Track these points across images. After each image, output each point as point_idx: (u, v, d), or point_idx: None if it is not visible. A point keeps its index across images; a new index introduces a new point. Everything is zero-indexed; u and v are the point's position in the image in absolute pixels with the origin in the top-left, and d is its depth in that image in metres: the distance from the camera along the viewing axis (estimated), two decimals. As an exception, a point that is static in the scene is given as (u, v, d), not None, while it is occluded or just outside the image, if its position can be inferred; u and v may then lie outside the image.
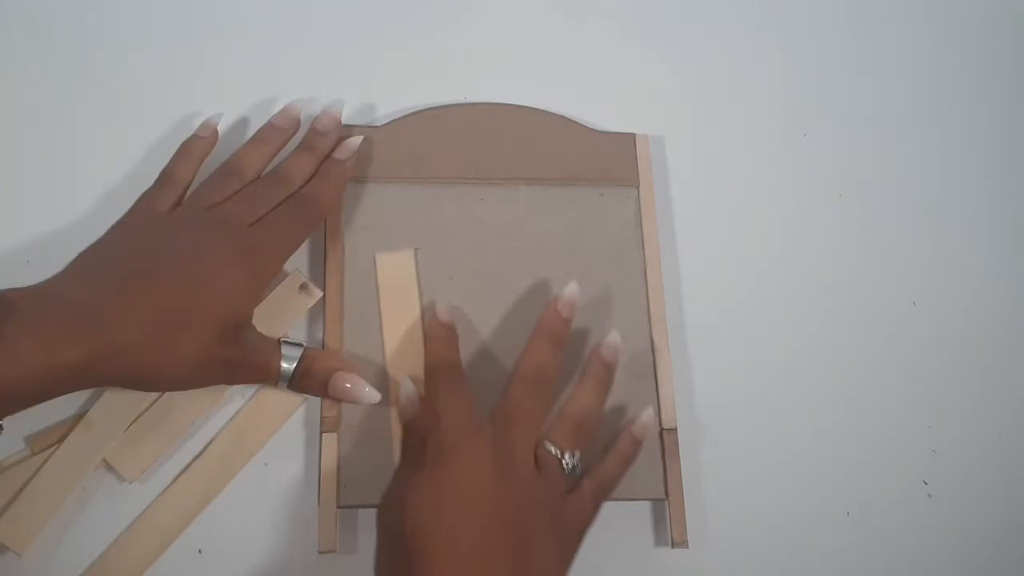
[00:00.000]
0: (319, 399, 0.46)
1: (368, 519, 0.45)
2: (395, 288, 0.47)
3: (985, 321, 0.55)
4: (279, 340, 0.44)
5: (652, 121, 0.54)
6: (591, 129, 0.53)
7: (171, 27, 0.53)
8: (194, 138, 0.47)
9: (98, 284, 0.38)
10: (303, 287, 0.46)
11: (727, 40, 0.59)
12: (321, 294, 0.47)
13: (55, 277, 0.39)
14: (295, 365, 0.43)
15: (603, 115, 0.54)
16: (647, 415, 0.45)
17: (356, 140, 0.47)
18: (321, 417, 0.45)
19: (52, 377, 0.35)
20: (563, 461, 0.41)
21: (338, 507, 0.44)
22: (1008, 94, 0.61)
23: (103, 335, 0.36)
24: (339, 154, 0.47)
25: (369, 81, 0.54)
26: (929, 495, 0.51)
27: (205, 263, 0.40)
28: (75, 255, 0.41)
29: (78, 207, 0.48)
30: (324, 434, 0.45)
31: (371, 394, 0.43)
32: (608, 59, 0.57)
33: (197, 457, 0.45)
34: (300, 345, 0.44)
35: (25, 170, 0.49)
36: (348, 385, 0.43)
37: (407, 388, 0.43)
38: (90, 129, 0.50)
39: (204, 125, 0.47)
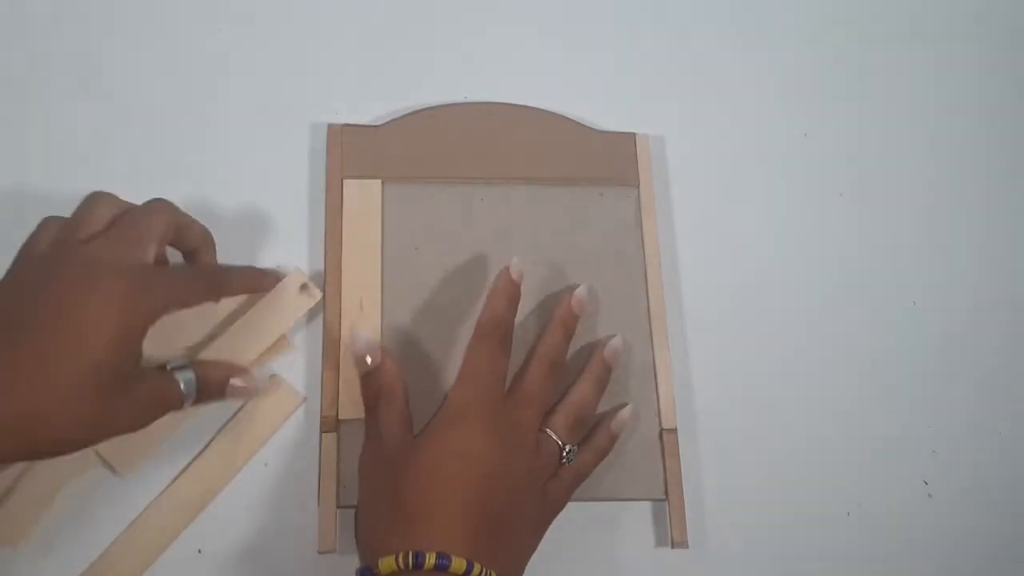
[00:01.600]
0: (319, 398, 0.46)
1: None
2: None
3: (985, 321, 0.55)
4: (163, 366, 0.40)
5: (652, 121, 0.54)
6: (591, 129, 0.53)
7: (171, 27, 0.53)
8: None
9: None
10: (304, 287, 0.46)
11: (727, 40, 0.59)
12: (321, 295, 0.46)
13: None
14: (192, 384, 0.40)
15: (603, 115, 0.54)
16: (626, 411, 0.46)
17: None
18: (321, 417, 0.45)
19: None
20: (564, 450, 0.43)
21: (338, 507, 0.44)
22: (1008, 94, 0.61)
23: None
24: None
25: (369, 81, 0.54)
26: (929, 495, 0.51)
27: (81, 320, 0.35)
28: None
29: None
30: (324, 434, 0.45)
31: (264, 380, 0.45)
32: (608, 59, 0.57)
33: (197, 457, 0.45)
34: (186, 364, 0.41)
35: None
36: (241, 384, 0.42)
37: (365, 339, 0.44)
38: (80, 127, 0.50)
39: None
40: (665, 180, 0.54)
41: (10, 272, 0.38)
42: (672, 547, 0.46)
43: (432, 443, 0.41)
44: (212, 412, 0.46)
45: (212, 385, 0.42)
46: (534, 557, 0.41)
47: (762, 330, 0.52)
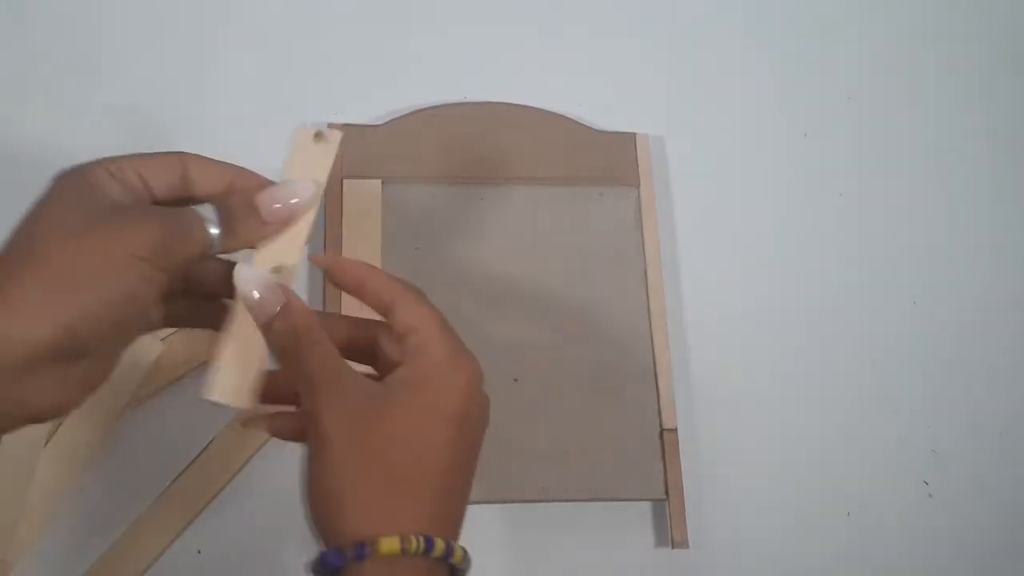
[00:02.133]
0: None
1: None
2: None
3: (985, 321, 0.55)
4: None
5: (652, 121, 0.54)
6: (591, 129, 0.53)
7: (170, 27, 0.53)
8: None
9: None
10: (318, 136, 0.37)
11: (727, 40, 0.59)
12: (342, 133, 0.37)
13: None
14: (214, 214, 0.33)
15: (603, 115, 0.54)
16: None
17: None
18: (321, 417, 0.45)
19: None
20: None
21: (338, 507, 0.43)
22: (1009, 94, 0.61)
23: None
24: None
25: (369, 81, 0.54)
26: (929, 495, 0.51)
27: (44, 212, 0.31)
28: None
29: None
30: (324, 434, 0.45)
31: (308, 186, 0.36)
32: (608, 59, 0.57)
33: (197, 457, 0.45)
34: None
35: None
36: (279, 206, 0.35)
37: (254, 276, 0.33)
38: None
39: None
40: (665, 180, 0.54)
41: None
42: (672, 547, 0.46)
43: (411, 403, 0.34)
44: (212, 412, 0.46)
45: (240, 212, 0.34)
46: (534, 557, 0.41)
47: (762, 330, 0.52)
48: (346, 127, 0.50)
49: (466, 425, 0.35)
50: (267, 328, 0.34)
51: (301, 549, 0.44)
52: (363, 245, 0.48)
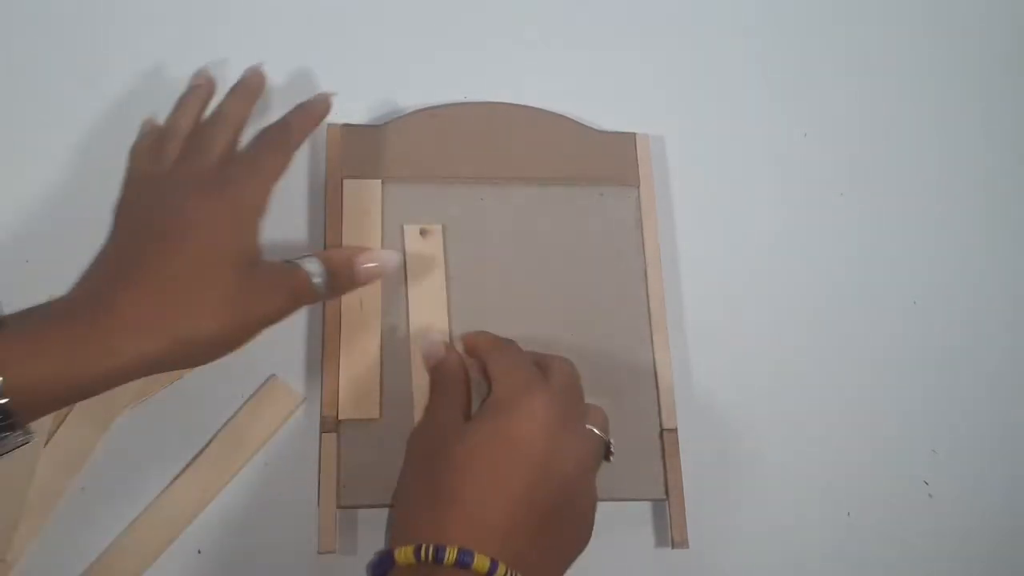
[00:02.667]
0: (319, 398, 0.46)
1: (368, 519, 0.45)
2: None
3: (985, 320, 0.55)
4: (286, 261, 0.43)
5: (652, 121, 0.54)
6: (591, 129, 0.53)
7: (170, 27, 0.53)
8: (193, 88, 0.48)
9: (107, 284, 0.38)
10: (423, 232, 0.48)
11: (727, 40, 0.59)
12: (440, 228, 0.49)
13: (87, 279, 0.39)
14: (320, 270, 0.42)
15: (603, 115, 0.54)
16: None
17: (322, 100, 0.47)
18: (321, 417, 0.45)
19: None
20: (609, 445, 0.42)
21: (338, 507, 0.44)
22: (1008, 93, 0.61)
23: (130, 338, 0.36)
24: (312, 100, 0.47)
25: (369, 81, 0.54)
26: (929, 495, 0.51)
27: (189, 220, 0.39)
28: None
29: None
30: (324, 434, 0.45)
31: (393, 255, 0.45)
32: (608, 59, 0.57)
33: (197, 457, 0.45)
34: (311, 256, 0.43)
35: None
36: (374, 264, 0.44)
37: (430, 339, 0.46)
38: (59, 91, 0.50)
39: (198, 74, 0.48)
40: (665, 180, 0.54)
41: (133, 192, 0.44)
42: (672, 547, 0.46)
43: (482, 426, 0.39)
44: (212, 412, 0.46)
45: (341, 271, 0.43)
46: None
47: (762, 330, 0.52)
48: (346, 127, 0.50)
49: (532, 447, 0.38)
50: (431, 371, 0.45)
51: (301, 549, 0.44)
52: (363, 245, 0.48)
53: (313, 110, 0.47)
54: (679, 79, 0.57)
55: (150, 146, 0.45)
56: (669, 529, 0.46)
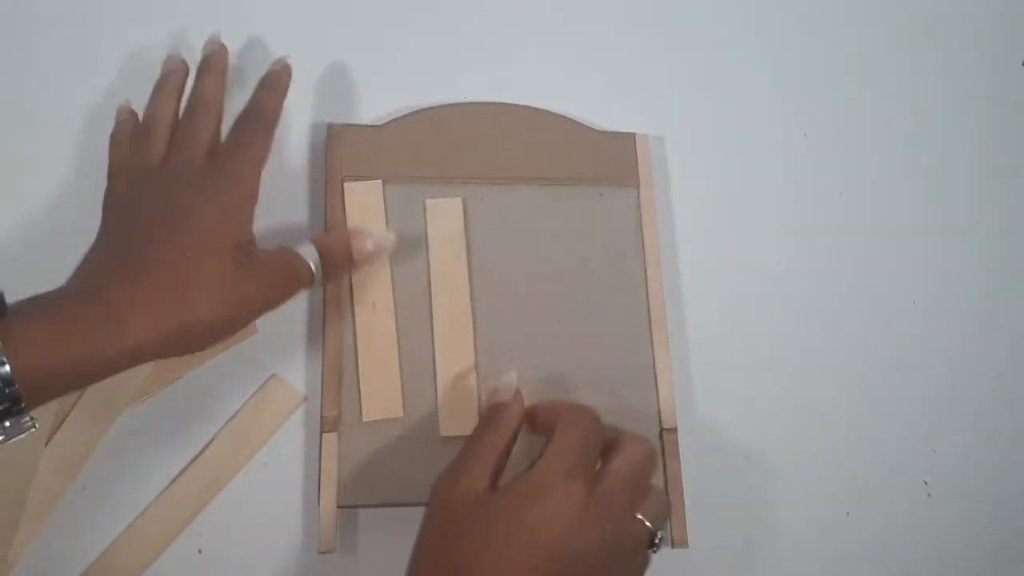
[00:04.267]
0: (319, 398, 0.46)
1: (368, 519, 0.45)
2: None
3: (985, 321, 0.55)
4: (282, 248, 0.43)
5: (652, 121, 0.54)
6: (591, 129, 0.53)
7: (170, 27, 0.53)
8: (167, 75, 0.47)
9: (109, 274, 0.39)
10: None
11: (727, 40, 0.59)
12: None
13: (80, 274, 0.40)
14: (315, 256, 0.43)
15: (603, 115, 0.54)
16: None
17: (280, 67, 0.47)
18: (321, 417, 0.45)
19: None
20: (656, 538, 0.39)
21: (338, 507, 0.44)
22: (1008, 93, 0.61)
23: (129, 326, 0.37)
24: (270, 72, 0.47)
25: (369, 81, 0.54)
26: (929, 495, 0.51)
27: (186, 211, 0.40)
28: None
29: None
30: (324, 434, 0.45)
31: (388, 236, 0.46)
32: (608, 59, 0.57)
33: (197, 457, 0.45)
34: (306, 242, 0.43)
35: None
36: (370, 245, 0.45)
37: (509, 376, 0.43)
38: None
39: (171, 59, 0.48)
40: (665, 180, 0.54)
41: (124, 184, 0.44)
42: (672, 547, 0.46)
43: (507, 503, 0.37)
44: (212, 412, 0.46)
45: (336, 253, 0.44)
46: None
47: (762, 330, 0.52)
48: (346, 127, 0.50)
49: (550, 537, 0.35)
50: (489, 408, 0.43)
51: (301, 549, 0.44)
52: (358, 227, 0.48)
53: (277, 82, 0.47)
54: (679, 79, 0.57)
55: (132, 136, 0.45)
56: (669, 529, 0.46)
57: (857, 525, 0.50)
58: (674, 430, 0.47)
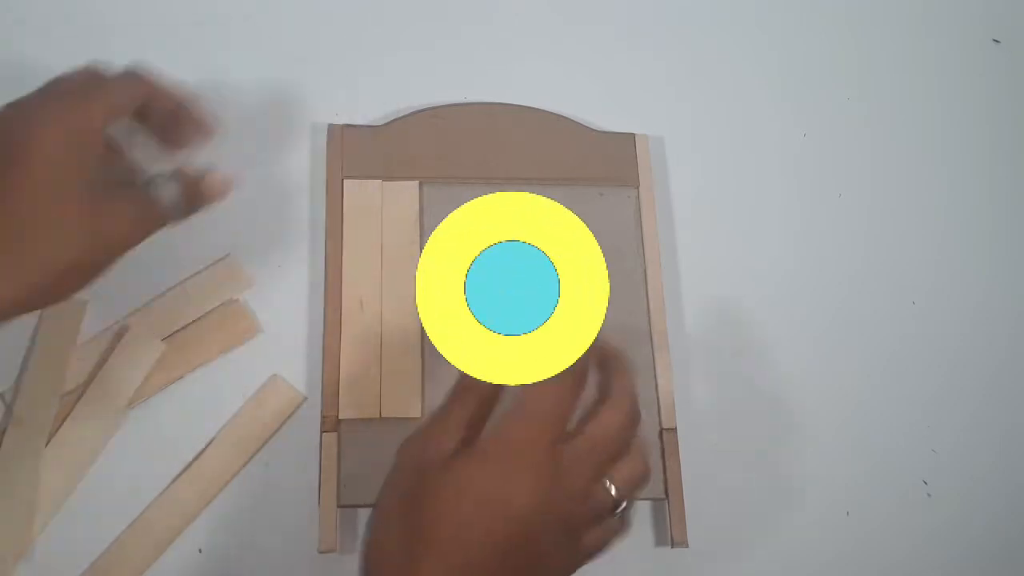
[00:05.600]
0: (319, 398, 0.46)
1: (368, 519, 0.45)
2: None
3: (985, 321, 0.55)
4: (143, 183, 0.41)
5: (652, 121, 0.54)
6: (591, 129, 0.53)
7: (170, 27, 0.53)
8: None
9: None
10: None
11: (727, 40, 0.59)
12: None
13: None
14: (175, 193, 0.40)
15: (603, 115, 0.54)
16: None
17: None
18: (321, 417, 0.45)
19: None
20: (619, 507, 0.37)
21: (338, 507, 0.44)
22: (1008, 93, 0.61)
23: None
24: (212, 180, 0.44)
25: (369, 81, 0.54)
26: (929, 495, 0.51)
27: (29, 152, 0.38)
28: None
29: None
30: (324, 434, 0.45)
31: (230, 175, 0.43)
32: (608, 59, 0.57)
33: (197, 457, 0.45)
34: (165, 177, 0.41)
35: None
36: (223, 177, 0.42)
37: None
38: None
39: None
40: (665, 180, 0.54)
41: None
42: (672, 547, 0.46)
43: (468, 470, 0.36)
44: (212, 412, 0.46)
45: (191, 189, 0.41)
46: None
47: (762, 330, 0.52)
48: (346, 127, 0.50)
49: (522, 507, 0.35)
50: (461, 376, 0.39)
51: (301, 549, 0.44)
52: (363, 245, 0.48)
53: (211, 186, 0.43)
54: (679, 79, 0.57)
55: None
56: (669, 528, 0.46)
57: (857, 525, 0.50)
58: (674, 430, 0.47)
